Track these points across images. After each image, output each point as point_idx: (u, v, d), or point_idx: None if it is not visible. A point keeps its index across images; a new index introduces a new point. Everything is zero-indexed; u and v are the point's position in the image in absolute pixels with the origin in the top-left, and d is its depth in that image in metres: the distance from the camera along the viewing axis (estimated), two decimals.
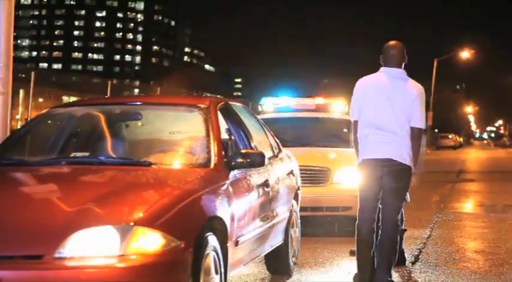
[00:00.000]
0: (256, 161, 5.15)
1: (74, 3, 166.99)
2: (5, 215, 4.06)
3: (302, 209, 8.88)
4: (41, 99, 19.33)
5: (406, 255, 7.23)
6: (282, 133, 10.80)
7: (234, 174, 5.13)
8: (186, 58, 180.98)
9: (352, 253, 7.10)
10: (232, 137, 5.60)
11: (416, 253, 7.88)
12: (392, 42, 6.07)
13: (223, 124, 5.65)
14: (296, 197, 6.94)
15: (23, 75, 15.66)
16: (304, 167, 9.15)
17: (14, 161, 5.23)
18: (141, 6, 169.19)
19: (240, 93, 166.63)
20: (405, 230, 6.97)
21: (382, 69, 6.03)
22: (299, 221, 7.02)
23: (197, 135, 5.30)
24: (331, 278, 6.65)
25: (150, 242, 3.96)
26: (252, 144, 5.81)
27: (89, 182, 4.72)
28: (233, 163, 5.10)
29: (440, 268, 7.05)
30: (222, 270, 4.64)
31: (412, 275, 6.73)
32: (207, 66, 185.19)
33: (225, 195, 4.86)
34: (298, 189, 7.05)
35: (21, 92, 16.27)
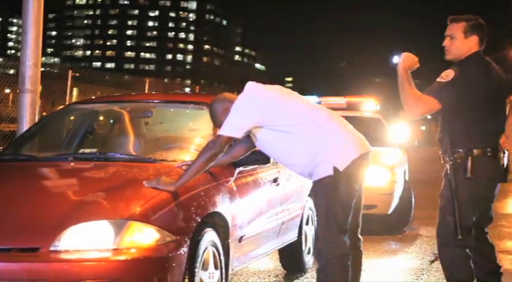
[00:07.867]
0: (261, 158, 5.20)
1: (128, 3, 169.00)
2: (4, 209, 4.19)
3: None
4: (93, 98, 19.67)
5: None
6: None
7: (239, 171, 5.19)
8: (237, 57, 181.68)
9: None
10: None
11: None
12: None
13: None
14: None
15: (77, 74, 15.94)
16: None
17: (24, 157, 5.37)
18: (193, 5, 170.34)
19: None
20: None
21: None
22: (315, 218, 7.02)
23: (204, 133, 5.38)
24: None
25: (145, 236, 4.04)
26: None
27: (90, 177, 4.82)
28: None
29: None
30: (223, 265, 4.71)
31: (427, 274, 6.69)
32: (257, 65, 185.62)
33: (228, 192, 4.91)
34: None
35: (75, 90, 16.52)
